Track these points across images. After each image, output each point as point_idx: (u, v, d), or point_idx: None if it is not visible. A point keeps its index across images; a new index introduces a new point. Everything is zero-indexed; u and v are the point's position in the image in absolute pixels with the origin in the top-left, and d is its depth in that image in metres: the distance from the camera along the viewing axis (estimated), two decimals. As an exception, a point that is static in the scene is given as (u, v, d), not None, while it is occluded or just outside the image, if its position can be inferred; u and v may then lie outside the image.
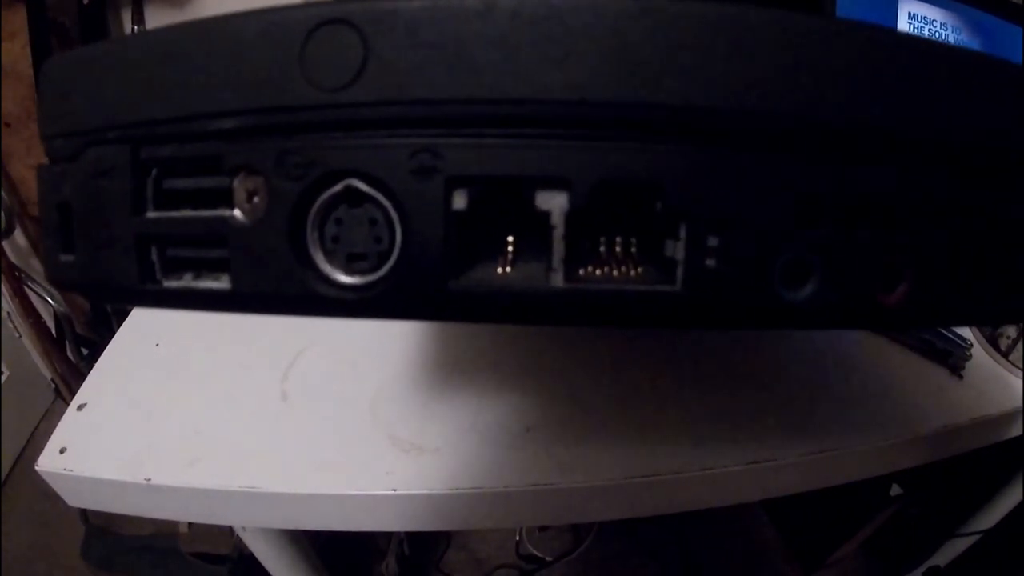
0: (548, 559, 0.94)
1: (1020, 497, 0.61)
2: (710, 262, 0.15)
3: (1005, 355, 0.44)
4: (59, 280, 0.18)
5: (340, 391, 0.40)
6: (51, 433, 0.36)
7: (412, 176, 0.13)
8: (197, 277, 0.16)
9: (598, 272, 0.15)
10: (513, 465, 0.35)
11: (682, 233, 0.15)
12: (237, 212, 0.15)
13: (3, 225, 0.89)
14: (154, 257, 0.16)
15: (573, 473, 0.35)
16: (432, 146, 0.13)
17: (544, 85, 0.13)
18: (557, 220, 0.14)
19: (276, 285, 0.14)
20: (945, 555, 0.73)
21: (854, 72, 0.14)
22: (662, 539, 0.99)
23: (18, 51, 0.87)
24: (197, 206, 0.16)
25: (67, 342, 1.00)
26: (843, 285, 0.16)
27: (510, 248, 0.16)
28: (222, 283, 0.15)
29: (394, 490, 0.34)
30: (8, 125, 0.90)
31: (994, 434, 0.43)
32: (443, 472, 0.35)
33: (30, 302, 0.95)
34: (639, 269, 0.16)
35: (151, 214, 0.16)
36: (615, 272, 0.16)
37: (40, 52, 0.87)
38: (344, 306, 0.14)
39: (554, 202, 0.14)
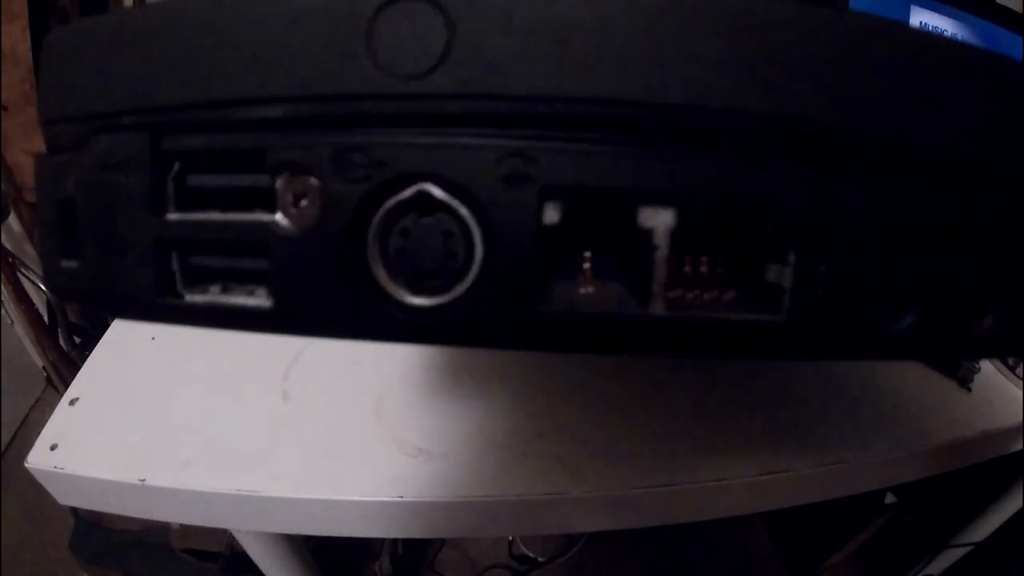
0: (541, 560, 0.94)
1: (1013, 509, 0.61)
2: (819, 291, 0.13)
3: (1012, 369, 0.44)
4: (60, 288, 0.15)
5: (344, 391, 0.38)
6: (42, 423, 0.35)
7: (500, 183, 0.11)
8: (226, 291, 0.14)
9: (690, 296, 0.14)
10: (524, 473, 0.34)
11: (792, 259, 0.13)
12: (280, 217, 0.13)
13: (-1, 210, 0.87)
14: (175, 266, 0.14)
15: (586, 482, 0.34)
16: (525, 150, 0.11)
17: (661, 87, 0.11)
18: (661, 240, 0.12)
19: (328, 305, 0.12)
20: (938, 565, 0.73)
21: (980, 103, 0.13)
22: (655, 543, 0.99)
23: (17, 33, 0.86)
24: (228, 208, 0.13)
25: (59, 330, 0.98)
26: (942, 314, 0.15)
27: (587, 265, 0.14)
28: (258, 299, 0.13)
29: (400, 497, 0.32)
30: (6, 109, 0.89)
31: (1001, 447, 0.44)
32: (451, 479, 0.34)
33: (23, 288, 0.93)
34: (730, 293, 0.14)
35: (172, 216, 0.14)
36: (705, 296, 0.14)
37: (40, 34, 0.86)
38: (409, 332, 0.12)
39: (659, 220, 0.12)
